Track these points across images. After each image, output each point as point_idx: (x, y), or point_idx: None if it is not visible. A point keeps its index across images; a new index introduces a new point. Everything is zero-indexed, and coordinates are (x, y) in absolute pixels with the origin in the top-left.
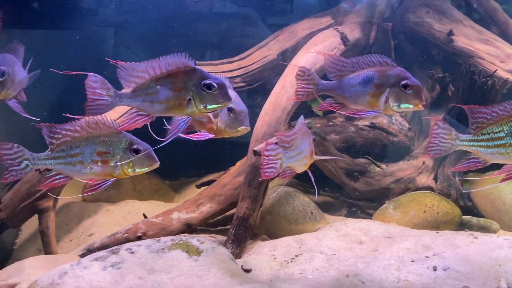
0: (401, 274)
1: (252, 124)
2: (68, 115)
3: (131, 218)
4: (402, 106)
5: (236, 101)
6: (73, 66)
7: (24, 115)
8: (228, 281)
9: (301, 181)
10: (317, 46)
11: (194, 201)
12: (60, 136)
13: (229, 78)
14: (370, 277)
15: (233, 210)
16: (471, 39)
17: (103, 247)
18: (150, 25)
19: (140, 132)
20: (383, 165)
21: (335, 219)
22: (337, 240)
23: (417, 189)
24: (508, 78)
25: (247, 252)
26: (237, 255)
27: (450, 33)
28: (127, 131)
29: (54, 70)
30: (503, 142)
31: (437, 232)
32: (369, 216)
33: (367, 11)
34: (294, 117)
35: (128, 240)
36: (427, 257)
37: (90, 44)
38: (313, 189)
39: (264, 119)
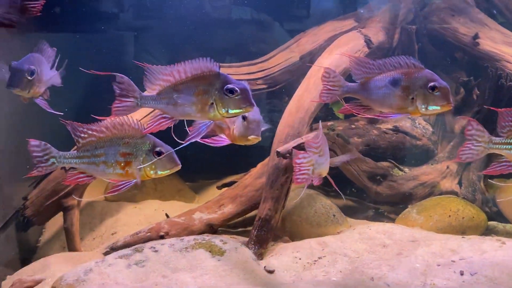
0: (427, 278)
1: (275, 125)
2: (94, 116)
3: (153, 217)
4: (430, 108)
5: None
6: (94, 69)
7: (49, 111)
8: (252, 281)
9: (321, 184)
10: (341, 48)
11: (216, 201)
12: (86, 135)
13: (251, 80)
14: (396, 280)
15: (254, 212)
16: (497, 42)
17: (126, 245)
18: (169, 30)
19: (161, 135)
20: (406, 169)
21: (357, 222)
22: (360, 243)
23: (441, 193)
24: None
25: (269, 253)
26: (259, 256)
27: (476, 36)
28: (152, 133)
29: (84, 70)
30: None
31: (462, 237)
32: (391, 220)
33: (391, 14)
34: (316, 119)
35: (150, 239)
36: (454, 261)
37: (110, 47)
38: (334, 192)
39: (287, 120)
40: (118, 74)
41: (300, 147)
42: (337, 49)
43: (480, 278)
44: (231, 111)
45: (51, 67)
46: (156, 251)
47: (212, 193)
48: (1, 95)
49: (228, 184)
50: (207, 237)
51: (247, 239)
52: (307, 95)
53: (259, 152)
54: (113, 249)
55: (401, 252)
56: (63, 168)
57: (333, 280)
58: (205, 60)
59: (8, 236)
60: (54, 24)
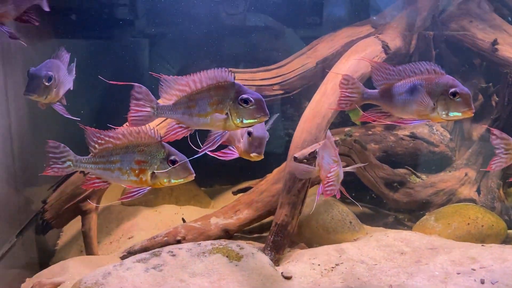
0: (447, 286)
1: (292, 130)
2: (111, 126)
3: (169, 222)
4: (451, 114)
5: (257, 126)
6: (109, 76)
7: (67, 116)
8: (269, 287)
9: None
10: (358, 54)
11: (232, 207)
12: (103, 142)
13: (267, 85)
14: None
15: (270, 218)
16: None
17: (143, 249)
18: (184, 37)
19: (178, 143)
20: (423, 176)
21: (374, 229)
22: (378, 250)
23: (459, 201)
24: None
25: (285, 260)
26: (275, 262)
27: (495, 42)
28: (168, 142)
29: (103, 79)
30: None
31: (482, 245)
32: (408, 228)
33: (408, 20)
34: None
35: (167, 243)
36: (474, 269)
37: (126, 54)
38: (348, 199)
39: (304, 126)
40: (136, 84)
41: (313, 155)
42: (355, 54)
43: (501, 287)
44: (245, 121)
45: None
46: (173, 255)
47: (228, 198)
48: (19, 98)
49: (244, 190)
50: (224, 242)
51: (263, 245)
52: (324, 100)
53: (275, 158)
54: (130, 253)
55: (420, 259)
56: (82, 172)
57: (351, 287)
58: (220, 70)
59: (28, 239)
60: (72, 31)
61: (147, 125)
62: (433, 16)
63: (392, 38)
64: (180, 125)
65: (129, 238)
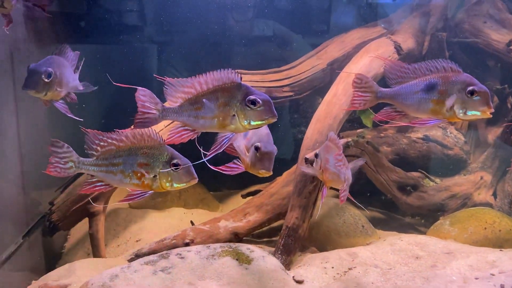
0: None
1: (302, 132)
2: (117, 130)
3: (178, 225)
4: (469, 113)
5: (264, 140)
6: (117, 80)
7: (69, 115)
8: None
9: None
10: (370, 54)
11: (241, 210)
12: (105, 144)
13: (277, 87)
14: None
15: (279, 222)
16: None
17: (151, 252)
18: (191, 44)
19: (185, 147)
20: (437, 179)
21: (386, 234)
22: (392, 254)
23: (475, 205)
24: None
25: (296, 264)
26: (286, 266)
27: (510, 43)
28: (172, 145)
29: (111, 80)
30: None
31: (500, 250)
32: (420, 233)
33: (420, 21)
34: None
35: (176, 246)
36: (493, 274)
37: (134, 60)
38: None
39: (315, 127)
40: (140, 88)
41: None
42: (367, 55)
43: None
44: (253, 123)
45: (74, 71)
46: (182, 258)
47: (236, 202)
48: (28, 100)
49: (253, 193)
50: (233, 245)
51: (273, 249)
52: (336, 101)
53: (284, 161)
54: (138, 255)
55: (436, 264)
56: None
57: None
58: (226, 71)
59: (34, 241)
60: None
61: (150, 128)
62: (446, 17)
63: (405, 39)
64: (186, 127)
65: (137, 241)
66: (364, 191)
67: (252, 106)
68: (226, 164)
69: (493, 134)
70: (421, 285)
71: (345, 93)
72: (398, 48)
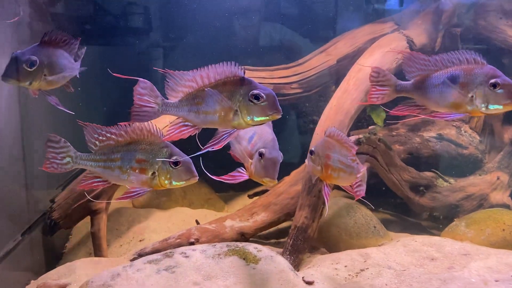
0: None
1: (311, 132)
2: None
3: (182, 224)
4: (491, 107)
5: (269, 146)
6: (121, 81)
7: (60, 107)
8: None
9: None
10: (382, 49)
11: (248, 209)
12: (104, 138)
13: (285, 84)
14: None
15: (287, 224)
16: None
17: (154, 251)
18: (197, 49)
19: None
20: (451, 180)
21: (398, 236)
22: (405, 255)
23: (491, 206)
24: None
25: (305, 265)
26: (295, 267)
27: None
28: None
29: (110, 71)
30: None
31: None
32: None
33: (434, 17)
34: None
35: (180, 246)
36: None
37: (141, 63)
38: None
39: (325, 123)
40: (141, 79)
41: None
42: (379, 49)
43: None
44: (256, 119)
45: (75, 59)
46: (187, 256)
47: (242, 203)
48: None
49: (260, 193)
50: (240, 244)
51: (281, 250)
52: (346, 96)
53: (291, 161)
54: (140, 255)
55: (453, 266)
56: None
57: None
58: (229, 64)
59: (34, 240)
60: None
61: (151, 123)
62: (460, 13)
63: (417, 34)
64: (186, 123)
65: (140, 240)
66: (374, 191)
67: (255, 101)
68: (229, 174)
69: (509, 133)
70: (438, 287)
71: (357, 88)
72: (410, 43)
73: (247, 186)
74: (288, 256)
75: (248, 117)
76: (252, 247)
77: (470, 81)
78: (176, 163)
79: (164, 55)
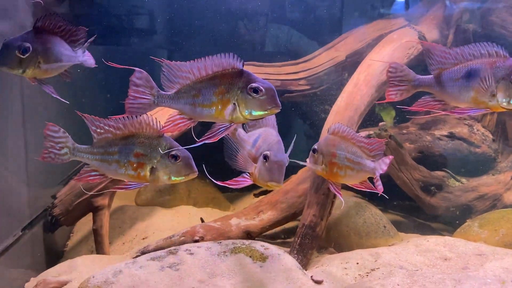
0: None
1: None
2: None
3: (186, 223)
4: None
5: (274, 148)
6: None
7: (55, 96)
8: None
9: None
10: (393, 43)
11: (254, 207)
12: (102, 131)
13: (293, 80)
14: None
15: (292, 223)
16: None
17: (158, 249)
18: (201, 49)
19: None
20: (463, 179)
21: (409, 236)
22: (417, 255)
23: (505, 207)
24: None
25: (313, 265)
26: (303, 267)
27: None
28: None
29: (104, 61)
30: None
31: None
32: None
33: (445, 13)
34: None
35: (184, 243)
36: None
37: (145, 65)
38: (380, 207)
39: (334, 119)
40: (137, 69)
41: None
42: (389, 44)
43: None
44: (255, 113)
45: (81, 48)
46: (191, 254)
47: (248, 203)
48: (34, 91)
49: (266, 192)
50: (247, 241)
51: (288, 249)
52: (356, 92)
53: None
54: (144, 253)
55: (467, 266)
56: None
57: None
58: (227, 56)
59: (35, 237)
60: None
61: (150, 116)
62: (471, 9)
63: (428, 29)
64: (183, 116)
65: (143, 238)
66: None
67: (254, 94)
68: (234, 179)
69: None
70: None
71: (367, 84)
72: (422, 38)
73: (253, 185)
74: (296, 255)
75: (246, 111)
76: (259, 245)
77: (491, 75)
78: (175, 158)
79: (169, 57)
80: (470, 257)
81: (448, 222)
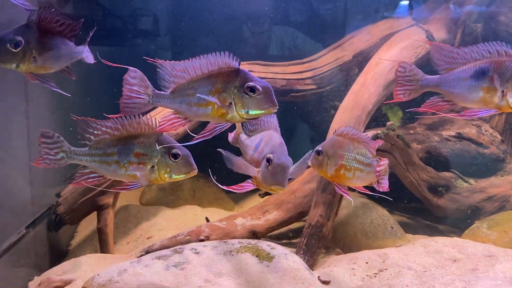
0: None
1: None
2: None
3: (191, 223)
4: None
5: (277, 151)
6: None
7: (55, 89)
8: None
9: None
10: (401, 42)
11: (260, 207)
12: (99, 132)
13: (299, 79)
14: None
15: (298, 224)
16: None
17: (163, 248)
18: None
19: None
20: (471, 180)
21: (416, 238)
22: (426, 256)
23: None
24: None
25: (320, 265)
26: (310, 267)
27: None
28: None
29: (99, 57)
30: None
31: None
32: None
33: (453, 13)
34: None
35: (189, 243)
36: None
37: (149, 66)
38: (387, 208)
39: (341, 118)
40: (131, 68)
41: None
42: (397, 43)
43: None
44: (251, 112)
45: (77, 42)
46: (197, 253)
47: (253, 203)
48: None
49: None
50: (253, 241)
51: (294, 250)
52: (364, 91)
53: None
54: (148, 252)
55: (476, 267)
56: None
57: None
58: (223, 54)
59: (39, 235)
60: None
61: (149, 116)
62: (480, 9)
63: (436, 29)
64: (178, 115)
65: (148, 238)
66: (389, 193)
67: (251, 93)
68: (239, 184)
69: None
70: None
71: (374, 83)
72: (430, 37)
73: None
74: (302, 256)
75: (243, 110)
76: (265, 245)
77: (500, 74)
78: (175, 156)
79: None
80: (479, 258)
81: (455, 223)
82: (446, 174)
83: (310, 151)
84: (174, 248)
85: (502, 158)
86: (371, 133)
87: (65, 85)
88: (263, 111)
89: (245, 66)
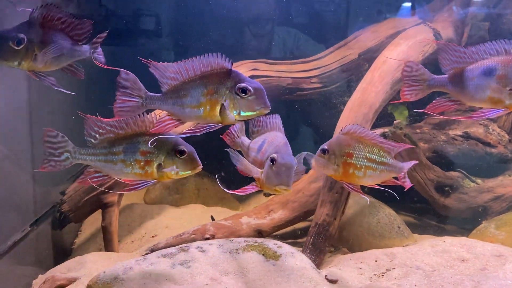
0: None
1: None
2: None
3: (196, 221)
4: None
5: (281, 151)
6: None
7: (57, 88)
8: None
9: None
10: (408, 40)
11: (265, 207)
12: (104, 131)
13: (304, 78)
14: None
15: (303, 224)
16: None
17: (168, 247)
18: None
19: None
20: (478, 180)
21: (423, 238)
22: (434, 256)
23: None
24: None
25: (326, 265)
26: (316, 266)
27: None
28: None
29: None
30: None
31: None
32: None
33: (460, 11)
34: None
35: (195, 241)
36: None
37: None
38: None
39: (348, 116)
40: (122, 70)
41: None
42: (404, 41)
43: None
44: (243, 113)
45: (85, 41)
46: (203, 251)
47: (257, 203)
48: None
49: None
50: (259, 239)
51: (300, 249)
52: (371, 88)
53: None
54: (153, 250)
55: (486, 267)
56: None
57: None
58: (216, 56)
59: (43, 234)
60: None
61: (154, 114)
62: (488, 7)
63: (444, 27)
64: (171, 116)
65: (153, 236)
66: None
67: (242, 94)
68: (244, 187)
69: None
70: None
71: (381, 81)
72: (437, 36)
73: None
74: (309, 255)
75: (235, 111)
76: (271, 243)
77: (508, 73)
78: (181, 153)
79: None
80: (488, 258)
81: (462, 223)
82: (453, 173)
83: (304, 152)
84: (180, 246)
85: (510, 158)
86: (378, 131)
87: (64, 84)
88: (255, 112)
89: (250, 64)
